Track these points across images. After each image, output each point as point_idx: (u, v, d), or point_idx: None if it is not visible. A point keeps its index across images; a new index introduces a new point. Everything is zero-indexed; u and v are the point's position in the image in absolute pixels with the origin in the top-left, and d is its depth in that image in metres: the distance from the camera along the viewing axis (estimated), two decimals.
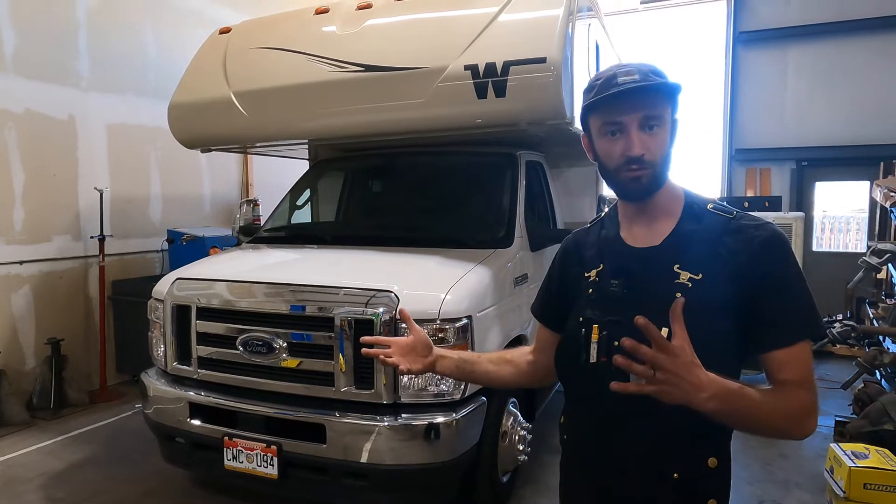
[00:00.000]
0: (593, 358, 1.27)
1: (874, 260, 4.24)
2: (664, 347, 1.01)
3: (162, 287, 3.37)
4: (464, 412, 2.81)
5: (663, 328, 1.13)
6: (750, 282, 1.19)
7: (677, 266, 1.22)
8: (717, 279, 1.19)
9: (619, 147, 1.23)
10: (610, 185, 1.33)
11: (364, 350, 1.54)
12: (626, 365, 1.02)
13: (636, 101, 1.20)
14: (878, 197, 5.90)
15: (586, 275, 1.37)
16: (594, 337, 1.28)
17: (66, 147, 5.29)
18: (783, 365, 1.19)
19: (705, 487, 1.25)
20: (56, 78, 5.19)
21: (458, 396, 2.81)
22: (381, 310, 2.76)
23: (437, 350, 1.56)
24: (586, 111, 1.29)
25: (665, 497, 1.25)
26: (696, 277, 1.20)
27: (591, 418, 1.34)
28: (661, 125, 1.23)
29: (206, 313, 3.15)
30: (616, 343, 1.20)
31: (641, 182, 1.23)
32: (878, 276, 5.92)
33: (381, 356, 1.50)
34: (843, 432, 3.87)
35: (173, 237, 5.83)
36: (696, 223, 1.26)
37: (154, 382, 3.31)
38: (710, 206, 1.29)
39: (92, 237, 5.34)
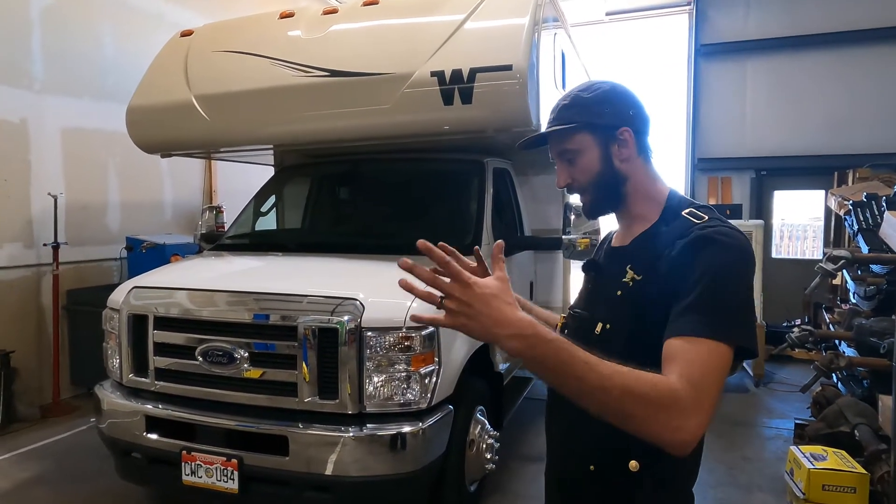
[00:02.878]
0: None
1: (830, 266, 4.37)
2: (455, 274, 0.98)
3: (118, 296, 3.26)
4: (430, 421, 2.78)
5: (599, 322, 1.26)
6: (672, 275, 1.14)
7: (629, 266, 1.26)
8: (654, 280, 1.19)
9: (556, 178, 1.38)
10: None
11: (421, 241, 1.44)
12: (408, 287, 1.00)
13: (552, 139, 1.34)
14: (833, 205, 6.11)
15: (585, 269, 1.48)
16: (558, 325, 1.41)
17: (17, 151, 5.08)
18: (671, 354, 1.05)
19: (625, 489, 1.21)
20: (7, 79, 4.98)
21: (424, 405, 2.77)
22: (346, 318, 2.71)
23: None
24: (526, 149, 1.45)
25: (587, 488, 1.28)
26: (638, 278, 1.23)
27: (547, 404, 1.43)
28: (576, 155, 1.31)
29: (164, 323, 3.05)
30: (565, 332, 1.35)
31: (586, 207, 1.37)
32: (834, 281, 6.11)
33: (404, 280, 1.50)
34: (802, 435, 3.97)
35: (132, 245, 5.65)
36: (665, 227, 1.27)
37: (109, 395, 3.18)
38: (685, 210, 1.25)
39: (45, 244, 5.13)
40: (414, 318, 1.03)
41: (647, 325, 1.16)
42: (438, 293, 1.00)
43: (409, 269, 0.99)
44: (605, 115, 1.29)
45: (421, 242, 1.02)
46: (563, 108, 1.33)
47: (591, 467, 1.25)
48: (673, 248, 1.18)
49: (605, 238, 1.54)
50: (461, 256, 1.45)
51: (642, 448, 1.10)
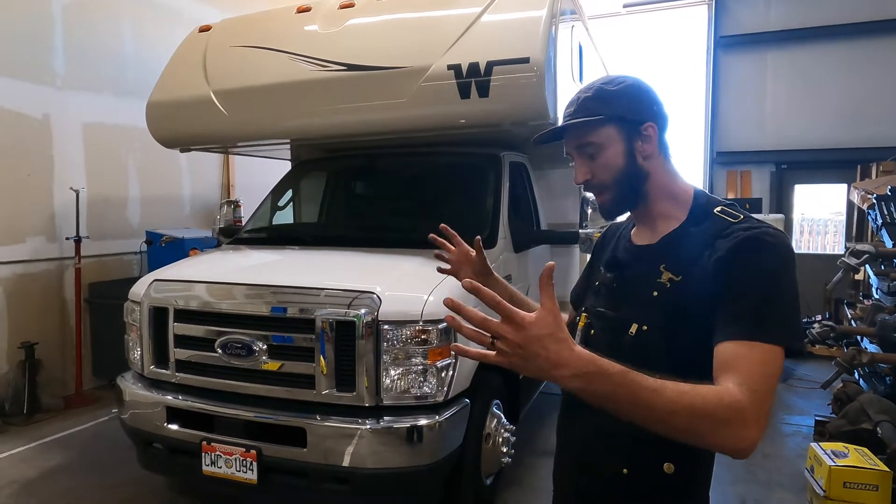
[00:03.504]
0: (577, 343, 1.27)
1: (852, 261, 4.29)
2: (508, 316, 0.92)
3: (139, 289, 3.30)
4: (447, 414, 2.78)
5: (634, 323, 1.20)
6: (720, 278, 1.13)
7: (663, 266, 1.22)
8: (696, 281, 1.16)
9: (574, 173, 1.34)
10: None
11: (431, 234, 1.69)
12: (456, 326, 0.95)
13: (571, 132, 1.29)
14: (856, 199, 6.00)
15: (601, 267, 1.42)
16: (581, 324, 1.34)
17: (40, 146, 5.17)
18: (727, 360, 1.05)
19: (660, 492, 1.21)
20: (30, 76, 5.07)
21: (441, 398, 2.78)
22: (363, 311, 2.72)
23: (495, 276, 1.63)
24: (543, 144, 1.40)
25: (617, 494, 1.25)
26: (676, 279, 1.20)
27: (566, 405, 1.38)
28: (598, 149, 1.27)
29: (185, 315, 3.09)
30: (592, 332, 1.30)
31: (605, 203, 1.31)
32: (856, 277, 6.01)
33: (438, 254, 1.67)
34: (822, 431, 3.91)
35: (152, 238, 5.73)
36: (696, 226, 1.25)
37: (130, 386, 3.23)
38: (718, 209, 1.24)
39: (67, 238, 5.23)
40: (456, 350, 0.98)
41: (687, 325, 1.15)
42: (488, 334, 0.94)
43: (457, 310, 0.94)
44: (631, 110, 1.26)
45: (467, 282, 0.98)
46: (587, 100, 1.28)
47: (625, 471, 1.22)
48: (713, 247, 1.16)
49: (613, 231, 1.49)
50: (462, 242, 1.60)
51: (678, 449, 1.09)
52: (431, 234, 1.00)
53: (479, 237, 1.67)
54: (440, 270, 1.69)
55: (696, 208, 1.28)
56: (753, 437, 0.97)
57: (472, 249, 1.63)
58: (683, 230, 1.26)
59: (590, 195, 4.86)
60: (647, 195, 1.29)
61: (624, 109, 1.26)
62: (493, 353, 0.93)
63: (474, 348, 0.97)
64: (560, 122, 1.32)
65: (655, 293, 1.20)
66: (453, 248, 1.65)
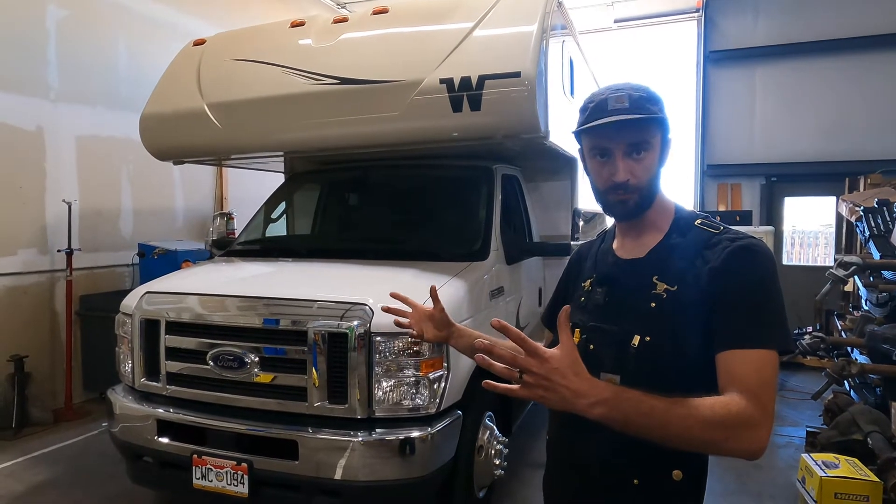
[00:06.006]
0: None
1: (841, 272, 4.34)
2: (532, 351, 1.02)
3: (130, 301, 3.29)
4: (439, 426, 2.78)
5: (636, 335, 1.23)
6: (715, 287, 1.18)
7: (656, 277, 1.26)
8: (691, 290, 1.21)
9: (605, 171, 1.29)
10: (598, 202, 1.36)
11: (383, 307, 1.69)
12: (486, 364, 1.03)
13: (623, 129, 1.24)
14: (844, 212, 6.07)
15: (583, 284, 1.44)
16: (575, 340, 1.32)
17: (33, 159, 5.16)
18: (729, 370, 1.12)
19: (669, 499, 1.24)
20: (24, 88, 5.07)
21: (433, 410, 2.78)
22: (355, 323, 2.73)
23: (457, 327, 1.66)
24: (578, 132, 1.33)
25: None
26: (672, 289, 1.23)
27: (564, 420, 1.36)
28: (648, 150, 1.27)
29: (176, 327, 3.08)
30: (591, 347, 1.31)
31: (628, 206, 1.29)
32: (846, 288, 6.06)
33: (396, 319, 1.68)
34: (814, 442, 3.93)
35: (144, 251, 5.71)
36: (681, 237, 1.29)
37: (121, 399, 3.21)
38: (698, 221, 1.30)
39: (59, 251, 5.20)
40: (486, 386, 1.05)
41: (687, 332, 1.19)
42: (516, 369, 1.03)
43: (488, 352, 1.03)
44: (668, 118, 1.29)
45: (495, 321, 1.08)
46: (643, 100, 1.25)
47: (636, 481, 1.24)
48: (703, 257, 1.22)
49: (583, 253, 1.52)
50: (416, 304, 1.68)
51: (685, 456, 1.18)
52: (496, 320, 1.06)
53: (434, 285, 1.72)
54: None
55: (679, 220, 1.33)
56: (763, 437, 1.06)
57: (427, 308, 1.66)
58: (670, 242, 1.30)
59: (581, 207, 4.90)
60: (652, 203, 1.32)
61: (666, 116, 1.28)
62: (519, 386, 1.03)
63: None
64: (608, 118, 1.23)
65: (654, 304, 1.24)
66: (409, 310, 1.70)
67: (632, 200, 1.28)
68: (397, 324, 1.69)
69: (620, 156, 1.26)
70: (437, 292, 1.70)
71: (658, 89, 1.30)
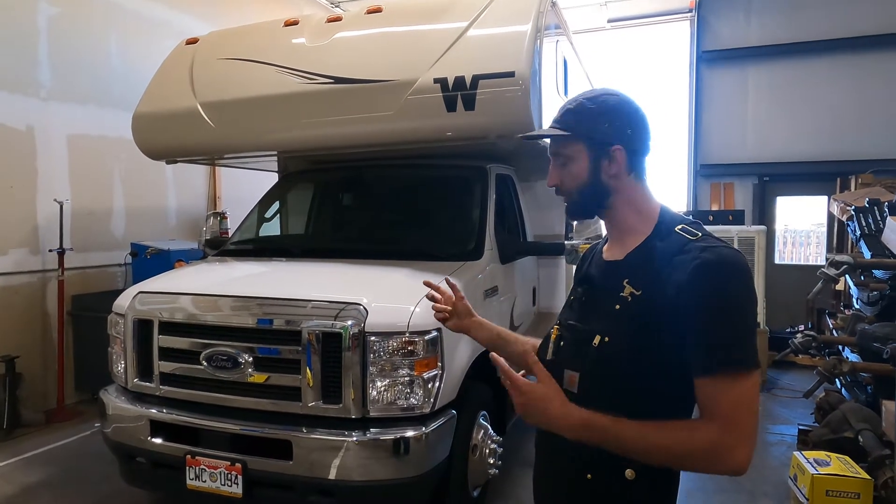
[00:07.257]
0: (549, 355, 1.39)
1: (832, 271, 4.36)
2: (512, 385, 1.20)
3: (123, 301, 3.28)
4: (433, 426, 2.78)
5: (597, 335, 1.29)
6: (680, 302, 1.16)
7: (626, 280, 1.27)
8: (655, 297, 1.20)
9: (548, 175, 1.43)
10: None
11: (429, 293, 1.78)
12: (504, 380, 1.23)
13: (550, 141, 1.40)
14: (836, 211, 6.11)
15: (576, 282, 1.50)
16: (553, 336, 1.41)
17: (24, 158, 5.12)
18: (700, 396, 1.15)
19: (623, 498, 1.25)
20: (14, 87, 5.03)
21: (427, 410, 2.78)
22: (349, 323, 2.72)
23: (478, 318, 1.74)
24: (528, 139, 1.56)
25: (581, 499, 1.30)
26: (637, 293, 1.24)
27: None
28: (569, 162, 1.35)
29: (170, 328, 3.07)
30: (561, 343, 1.38)
31: (568, 207, 1.43)
32: (837, 287, 6.10)
33: (435, 304, 1.76)
34: (806, 440, 3.96)
35: (137, 250, 5.68)
36: (660, 242, 1.28)
37: (114, 400, 3.20)
38: (678, 226, 1.28)
39: (51, 250, 5.17)
40: (493, 359, 1.31)
41: (649, 339, 1.19)
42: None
43: (506, 372, 1.22)
44: (601, 131, 1.31)
45: (493, 356, 1.31)
46: (567, 113, 1.36)
47: (588, 476, 1.27)
48: (671, 264, 1.20)
49: (591, 250, 1.55)
50: (444, 289, 1.76)
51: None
52: (493, 355, 1.29)
53: (447, 277, 1.84)
54: (434, 307, 1.79)
55: (660, 225, 1.32)
56: (740, 457, 1.09)
57: (452, 297, 1.76)
58: (647, 246, 1.30)
59: None
60: (612, 207, 1.36)
61: (595, 130, 1.32)
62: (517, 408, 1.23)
63: None
64: (545, 128, 1.42)
65: (618, 306, 1.26)
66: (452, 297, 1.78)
67: (568, 202, 1.41)
68: (434, 303, 1.77)
69: (552, 163, 1.40)
70: (456, 290, 1.77)
71: (611, 101, 1.33)
